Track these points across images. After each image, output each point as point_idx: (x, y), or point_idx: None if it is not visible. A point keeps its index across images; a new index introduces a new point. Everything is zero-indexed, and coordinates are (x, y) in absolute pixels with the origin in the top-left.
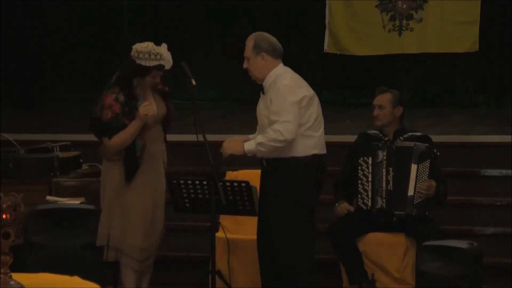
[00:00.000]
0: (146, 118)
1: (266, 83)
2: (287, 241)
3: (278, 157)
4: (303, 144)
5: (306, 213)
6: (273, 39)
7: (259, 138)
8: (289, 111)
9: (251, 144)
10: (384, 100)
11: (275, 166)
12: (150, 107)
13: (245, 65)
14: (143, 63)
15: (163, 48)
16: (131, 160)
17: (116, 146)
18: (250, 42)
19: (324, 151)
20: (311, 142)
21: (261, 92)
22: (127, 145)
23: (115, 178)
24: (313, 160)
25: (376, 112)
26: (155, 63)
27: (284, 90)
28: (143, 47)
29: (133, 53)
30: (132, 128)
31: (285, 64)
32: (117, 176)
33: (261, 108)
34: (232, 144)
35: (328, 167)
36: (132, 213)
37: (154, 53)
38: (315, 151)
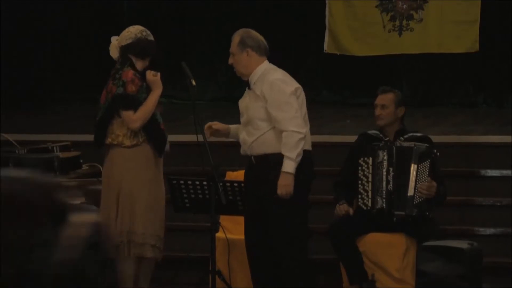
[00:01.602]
0: (158, 79)
1: (252, 79)
2: (282, 240)
3: (269, 153)
4: None
5: (300, 211)
6: (259, 36)
7: (288, 153)
8: (291, 104)
9: (288, 164)
10: (387, 99)
11: (266, 162)
12: (152, 71)
13: (230, 61)
14: (150, 38)
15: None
16: (158, 133)
17: (142, 119)
18: (236, 38)
19: (311, 148)
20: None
21: (246, 88)
22: (149, 116)
23: (137, 166)
24: (304, 155)
25: (378, 111)
26: (152, 38)
27: (279, 84)
28: (139, 27)
29: (139, 34)
30: (152, 97)
31: (285, 64)
32: (140, 163)
33: (248, 102)
34: (282, 182)
35: (328, 167)
36: (161, 202)
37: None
38: (305, 147)
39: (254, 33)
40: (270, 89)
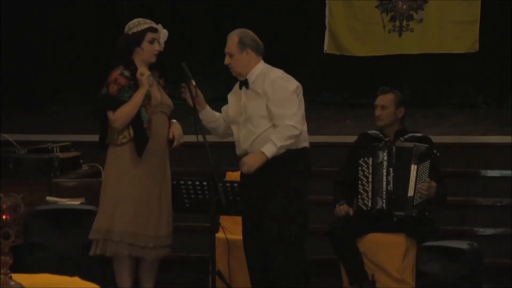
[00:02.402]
0: (143, 79)
1: (251, 78)
2: (282, 238)
3: None
4: None
5: (300, 208)
6: (255, 36)
7: (276, 139)
8: (292, 102)
9: (270, 148)
10: (387, 100)
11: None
12: (143, 69)
13: (227, 61)
14: (135, 30)
15: (159, 25)
16: (139, 132)
17: (121, 119)
18: (233, 38)
19: (308, 145)
20: (301, 135)
21: (243, 87)
22: (132, 116)
23: (123, 164)
24: (303, 153)
25: (378, 112)
26: (146, 26)
27: (280, 82)
28: (131, 21)
29: (126, 29)
30: (135, 97)
31: (286, 64)
32: (126, 161)
33: (246, 101)
34: (252, 157)
35: (328, 167)
36: (153, 200)
37: (142, 20)
38: (304, 144)
39: (250, 32)
40: (272, 86)
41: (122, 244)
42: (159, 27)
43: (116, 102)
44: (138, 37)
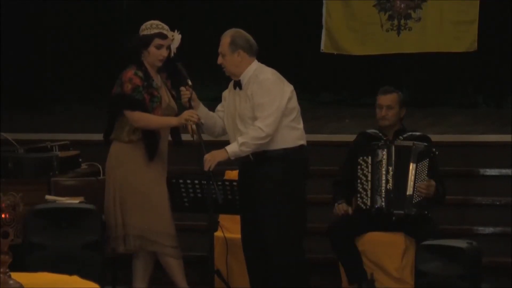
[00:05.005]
0: (186, 121)
1: (244, 79)
2: (281, 237)
3: (267, 149)
4: (291, 135)
5: (299, 206)
6: (249, 37)
7: (241, 138)
8: (273, 105)
9: (233, 146)
10: (392, 100)
11: (265, 158)
12: (195, 115)
13: (219, 61)
14: (145, 32)
15: (175, 33)
16: (151, 135)
17: (140, 122)
18: (226, 38)
19: (305, 143)
20: (297, 134)
21: (237, 88)
22: (151, 129)
23: (132, 160)
24: (301, 150)
25: (384, 112)
26: (155, 31)
27: (268, 84)
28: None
29: (139, 30)
30: (164, 121)
31: (284, 64)
32: (137, 159)
33: (238, 103)
34: (214, 154)
35: (327, 167)
36: (155, 198)
37: (156, 23)
38: (301, 142)
39: (244, 33)
40: (259, 88)
41: (143, 238)
42: (173, 34)
43: (132, 101)
44: (146, 41)
